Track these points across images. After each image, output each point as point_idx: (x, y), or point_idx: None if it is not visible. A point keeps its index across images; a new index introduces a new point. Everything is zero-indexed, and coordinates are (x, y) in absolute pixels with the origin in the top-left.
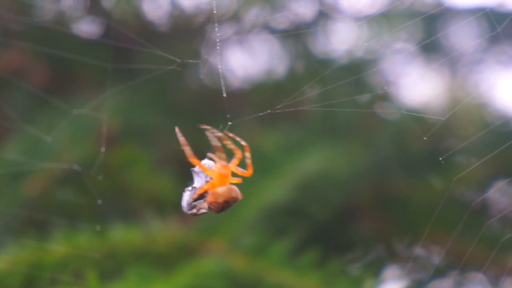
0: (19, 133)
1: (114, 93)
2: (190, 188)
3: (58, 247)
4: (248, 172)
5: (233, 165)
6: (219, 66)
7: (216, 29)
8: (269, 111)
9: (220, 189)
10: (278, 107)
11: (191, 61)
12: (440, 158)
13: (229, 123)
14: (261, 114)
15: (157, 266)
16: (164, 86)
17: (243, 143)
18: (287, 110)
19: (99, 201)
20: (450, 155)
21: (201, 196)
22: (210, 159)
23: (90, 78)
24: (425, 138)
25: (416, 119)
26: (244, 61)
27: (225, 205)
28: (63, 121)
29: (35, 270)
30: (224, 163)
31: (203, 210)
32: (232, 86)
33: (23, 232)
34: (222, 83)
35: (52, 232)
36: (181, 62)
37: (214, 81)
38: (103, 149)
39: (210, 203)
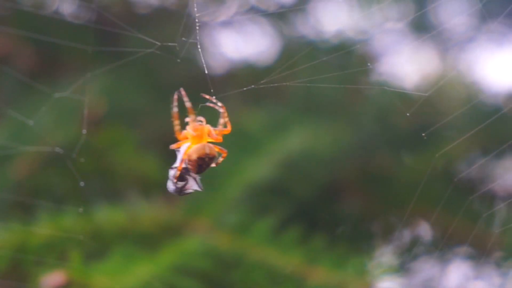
0: (4, 118)
1: (98, 75)
2: (173, 167)
3: (43, 229)
4: (227, 130)
5: (207, 126)
6: (198, 47)
7: (195, 9)
8: (253, 86)
9: (193, 147)
10: (262, 81)
11: (170, 44)
12: (423, 134)
13: (214, 96)
14: (245, 89)
15: (142, 245)
16: (150, 68)
17: (219, 104)
18: (271, 85)
19: (82, 183)
20: (435, 132)
21: (184, 178)
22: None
23: (76, 61)
24: (408, 114)
25: (400, 97)
26: (231, 43)
27: (201, 163)
28: (47, 104)
29: (20, 252)
30: (196, 124)
31: (189, 190)
32: (218, 69)
33: (9, 214)
34: (203, 61)
35: (37, 214)
36: (161, 45)
37: (199, 63)
38: (84, 131)
39: (188, 164)
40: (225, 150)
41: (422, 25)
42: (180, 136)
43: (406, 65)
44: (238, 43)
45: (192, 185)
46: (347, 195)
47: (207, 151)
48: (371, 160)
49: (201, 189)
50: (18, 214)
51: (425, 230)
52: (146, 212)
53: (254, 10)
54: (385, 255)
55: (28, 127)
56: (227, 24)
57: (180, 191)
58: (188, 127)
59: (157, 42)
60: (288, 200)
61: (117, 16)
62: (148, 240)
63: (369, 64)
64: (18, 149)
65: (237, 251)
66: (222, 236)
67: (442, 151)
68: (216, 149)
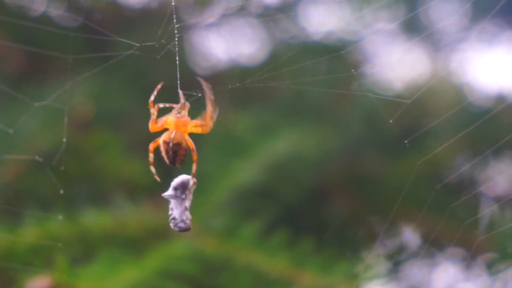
0: None
1: (85, 79)
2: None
3: (29, 233)
4: (205, 128)
5: (186, 119)
6: (176, 50)
7: (174, 14)
8: (237, 84)
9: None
10: (247, 81)
11: (148, 44)
12: (406, 141)
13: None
14: (230, 87)
15: (128, 249)
16: (136, 71)
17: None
18: (257, 85)
19: (61, 191)
20: (422, 135)
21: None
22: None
23: (63, 64)
24: (391, 121)
25: (386, 102)
26: (218, 45)
27: (166, 148)
28: (30, 110)
29: (6, 257)
30: (175, 115)
31: (181, 225)
32: (205, 70)
33: None
34: (177, 61)
35: (23, 219)
36: (140, 46)
37: (190, 65)
38: (64, 140)
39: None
40: (196, 154)
41: (413, 26)
42: (153, 126)
43: (396, 66)
44: (226, 44)
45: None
46: (334, 198)
47: (172, 136)
48: (357, 163)
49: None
50: (4, 219)
51: (412, 233)
52: (132, 216)
53: (242, 11)
54: (372, 259)
55: (11, 133)
56: (214, 25)
57: (176, 226)
58: (166, 117)
59: (136, 44)
60: (275, 203)
61: (104, 19)
62: (134, 244)
63: (353, 70)
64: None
65: (224, 255)
66: (209, 239)
67: (429, 155)
68: (189, 143)
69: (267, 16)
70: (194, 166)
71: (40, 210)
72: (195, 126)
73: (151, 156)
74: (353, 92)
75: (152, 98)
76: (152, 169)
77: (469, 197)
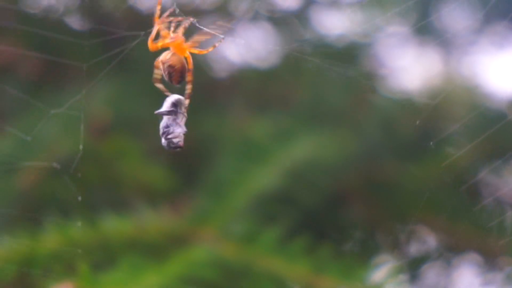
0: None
1: (102, 84)
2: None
3: (50, 239)
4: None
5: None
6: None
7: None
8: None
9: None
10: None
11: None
12: (431, 143)
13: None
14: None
15: (149, 255)
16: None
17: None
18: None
19: (79, 198)
20: (441, 139)
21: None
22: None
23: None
24: (417, 122)
25: (405, 104)
26: (234, 47)
27: (163, 68)
28: (48, 117)
29: (28, 263)
30: (176, 35)
31: (177, 139)
32: (221, 72)
33: (16, 224)
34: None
35: (44, 225)
36: (146, 33)
37: (209, 69)
38: (80, 147)
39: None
40: (191, 74)
41: (425, 29)
42: (152, 45)
43: (410, 69)
44: (241, 47)
45: (176, 130)
46: (353, 204)
47: (168, 57)
48: (376, 168)
49: (184, 130)
50: (25, 225)
51: (432, 239)
52: (152, 222)
53: (257, 16)
54: (393, 264)
55: (32, 138)
56: (230, 29)
57: (170, 143)
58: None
59: (140, 32)
60: (295, 209)
61: (119, 23)
62: (155, 250)
63: (368, 81)
64: (18, 164)
65: (244, 261)
66: (229, 245)
67: (447, 161)
68: (188, 64)
69: (281, 20)
70: (188, 87)
71: (61, 216)
72: (191, 46)
73: (156, 72)
74: (370, 95)
75: (157, 13)
76: (159, 85)
77: (489, 202)
